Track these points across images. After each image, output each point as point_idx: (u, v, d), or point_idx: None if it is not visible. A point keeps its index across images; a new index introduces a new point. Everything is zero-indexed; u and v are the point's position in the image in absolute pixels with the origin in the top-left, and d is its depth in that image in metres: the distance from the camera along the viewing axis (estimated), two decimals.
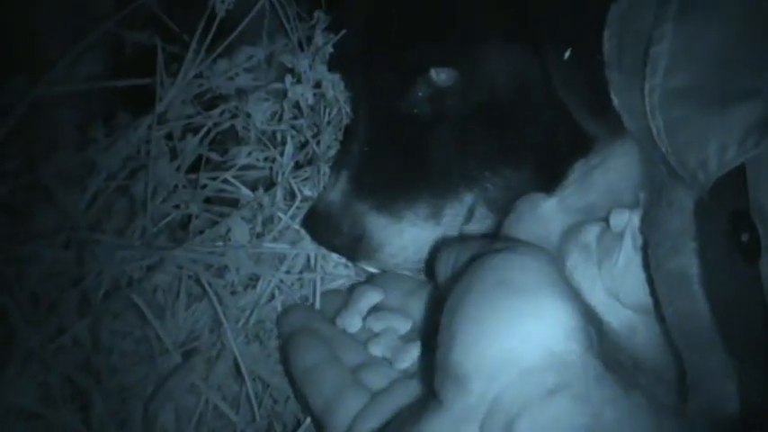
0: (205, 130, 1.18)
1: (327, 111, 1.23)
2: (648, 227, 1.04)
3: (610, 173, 1.14)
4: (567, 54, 1.06)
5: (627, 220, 1.10)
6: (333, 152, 1.24)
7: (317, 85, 1.21)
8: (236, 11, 1.18)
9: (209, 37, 1.16)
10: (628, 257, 1.09)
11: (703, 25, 0.93)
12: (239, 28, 1.17)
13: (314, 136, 1.22)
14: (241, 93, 1.20)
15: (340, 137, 1.24)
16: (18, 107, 1.08)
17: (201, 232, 1.17)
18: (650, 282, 1.03)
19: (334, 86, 1.20)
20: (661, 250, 1.00)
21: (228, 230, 1.15)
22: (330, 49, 1.21)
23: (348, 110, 1.23)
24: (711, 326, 0.95)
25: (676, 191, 0.98)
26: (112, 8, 1.20)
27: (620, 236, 1.10)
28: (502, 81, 1.14)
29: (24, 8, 1.22)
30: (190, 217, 1.17)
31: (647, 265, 1.04)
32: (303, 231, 1.20)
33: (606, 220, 1.12)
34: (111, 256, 1.09)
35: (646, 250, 1.05)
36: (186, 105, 1.16)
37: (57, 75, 1.12)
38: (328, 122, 1.23)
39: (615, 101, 1.03)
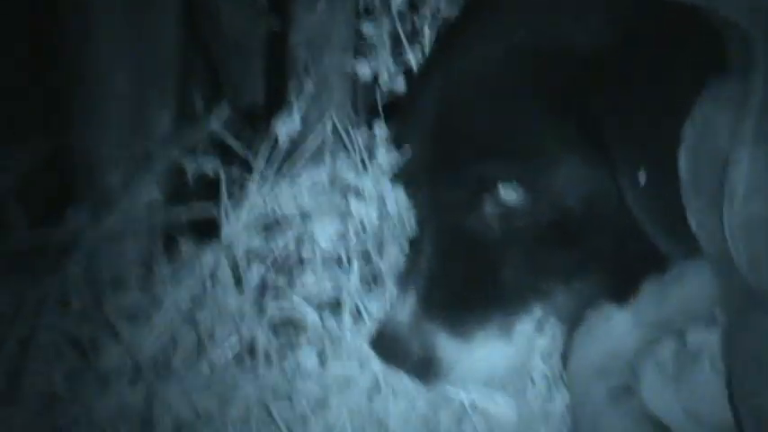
0: (270, 257, 1.17)
1: (392, 227, 1.21)
2: (729, 353, 1.02)
3: (686, 289, 1.13)
4: (642, 179, 1.03)
5: (703, 339, 1.08)
6: (399, 269, 1.23)
7: (381, 200, 1.19)
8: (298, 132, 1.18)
9: (272, 162, 1.16)
10: (707, 377, 1.08)
11: None
12: (303, 154, 1.17)
13: (379, 253, 1.20)
14: (305, 215, 1.19)
15: (406, 252, 1.23)
16: (81, 245, 1.07)
17: (270, 358, 1.16)
18: (734, 411, 1.01)
19: (398, 203, 1.19)
20: (747, 384, 0.99)
21: (296, 358, 1.13)
22: (393, 166, 1.19)
23: (413, 224, 1.21)
24: None
25: (759, 316, 0.97)
26: (170, 128, 1.19)
27: (698, 355, 1.08)
28: (569, 196, 1.12)
29: (84, 132, 1.23)
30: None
31: (727, 392, 1.02)
32: (371, 351, 1.18)
33: (681, 336, 1.10)
34: (180, 394, 1.08)
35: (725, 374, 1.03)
36: (250, 232, 1.15)
37: (118, 207, 1.11)
38: (394, 238, 1.21)
39: (692, 223, 1.02)
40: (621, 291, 1.16)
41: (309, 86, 1.22)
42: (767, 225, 0.92)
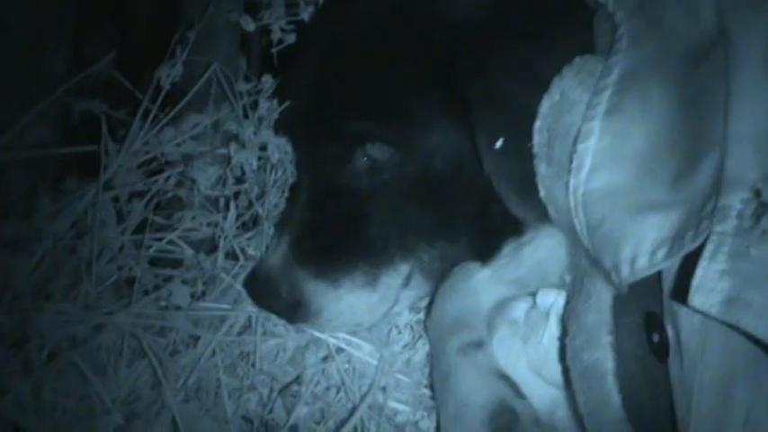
0: (150, 194, 1.21)
1: (273, 172, 1.25)
2: (568, 316, 1.06)
3: (539, 251, 1.18)
4: (498, 143, 1.07)
5: (553, 301, 1.12)
6: (279, 211, 1.27)
7: (263, 148, 1.23)
8: (183, 79, 1.21)
9: (156, 106, 1.18)
10: (552, 337, 1.12)
11: (630, 127, 0.95)
12: (185, 100, 1.19)
13: (258, 198, 1.25)
14: (187, 158, 1.22)
15: (286, 196, 1.26)
16: None
17: (146, 292, 1.20)
18: (566, 370, 1.06)
19: (280, 149, 1.22)
20: (577, 342, 1.03)
21: (170, 293, 1.17)
22: (276, 115, 1.22)
23: (294, 170, 1.24)
24: (621, 418, 0.99)
25: (596, 283, 1.01)
26: (65, 73, 1.22)
27: (546, 315, 1.13)
28: (437, 158, 1.16)
29: None
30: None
31: (563, 354, 1.07)
32: (245, 292, 1.22)
33: (535, 296, 1.15)
34: (55, 321, 1.11)
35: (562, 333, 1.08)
36: (132, 172, 1.18)
37: (6, 141, 1.14)
38: (274, 183, 1.25)
39: (542, 192, 1.06)
40: (484, 251, 1.21)
41: (193, 37, 1.24)
42: (606, 197, 0.95)
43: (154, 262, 1.25)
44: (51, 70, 1.25)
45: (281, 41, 1.34)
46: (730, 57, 0.90)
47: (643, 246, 0.90)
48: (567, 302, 1.09)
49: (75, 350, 1.14)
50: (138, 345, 1.19)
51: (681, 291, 0.85)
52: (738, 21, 0.94)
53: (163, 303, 1.20)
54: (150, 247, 1.22)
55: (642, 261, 0.89)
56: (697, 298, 0.81)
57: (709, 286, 0.81)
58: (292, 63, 1.28)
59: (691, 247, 0.84)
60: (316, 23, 1.35)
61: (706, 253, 0.82)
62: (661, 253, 0.88)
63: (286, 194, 1.28)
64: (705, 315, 0.83)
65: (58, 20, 1.27)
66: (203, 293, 1.24)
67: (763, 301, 0.79)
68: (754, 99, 0.88)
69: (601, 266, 0.95)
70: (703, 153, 0.89)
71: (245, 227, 1.28)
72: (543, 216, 1.09)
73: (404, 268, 1.23)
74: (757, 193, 0.83)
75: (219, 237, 1.25)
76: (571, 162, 0.98)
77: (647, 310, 0.97)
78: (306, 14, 1.36)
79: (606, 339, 1.00)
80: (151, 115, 1.21)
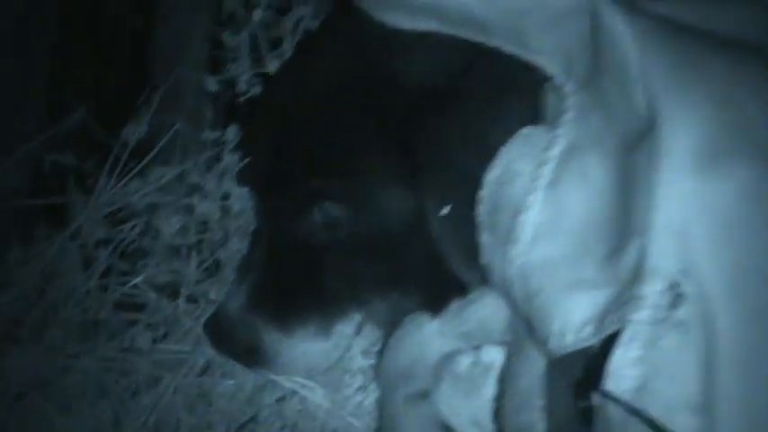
0: (115, 243, 1.25)
1: (235, 220, 1.29)
2: (505, 377, 1.12)
3: (484, 310, 1.21)
4: (444, 210, 1.11)
5: (495, 358, 1.17)
6: (240, 257, 1.31)
7: (225, 197, 1.27)
8: (149, 131, 1.25)
9: (122, 161, 1.23)
10: (492, 392, 1.17)
11: (569, 201, 0.99)
12: (149, 156, 1.23)
13: (220, 244, 1.29)
14: (152, 208, 1.26)
15: (248, 242, 1.30)
16: None
17: (112, 334, 1.24)
18: (501, 430, 1.10)
19: (242, 199, 1.26)
20: (512, 403, 1.08)
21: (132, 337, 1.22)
22: (238, 167, 1.27)
23: (255, 219, 1.28)
24: None
25: (532, 348, 1.06)
26: (39, 122, 1.26)
27: (488, 371, 1.18)
28: (390, 218, 1.19)
29: None
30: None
31: (497, 415, 1.12)
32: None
33: (478, 352, 1.20)
34: (22, 363, 1.17)
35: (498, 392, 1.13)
36: (98, 223, 1.23)
37: None
38: (236, 230, 1.29)
39: (484, 259, 1.10)
40: (434, 305, 1.25)
41: (158, 98, 1.28)
42: (542, 269, 0.99)
43: (119, 306, 1.28)
44: (25, 120, 1.28)
45: (247, 96, 1.37)
46: (657, 146, 0.93)
47: (570, 323, 0.94)
48: (506, 362, 1.13)
49: (41, 391, 1.18)
50: (102, 385, 1.23)
51: (598, 371, 0.90)
52: (667, 108, 0.96)
53: (126, 345, 1.24)
54: (115, 291, 1.26)
55: (569, 337, 0.94)
56: (610, 382, 0.85)
57: (621, 372, 0.85)
58: (256, 115, 1.31)
59: (611, 330, 0.89)
60: (280, 78, 1.38)
61: (622, 339, 0.86)
62: (586, 332, 0.92)
63: (248, 241, 1.30)
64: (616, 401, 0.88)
65: (33, 69, 1.30)
66: (165, 335, 1.28)
67: (669, 392, 0.84)
68: (678, 192, 0.91)
69: (534, 334, 0.99)
70: (631, 236, 0.92)
71: (207, 272, 1.31)
72: (486, 280, 1.12)
73: (357, 318, 1.26)
74: (674, 286, 0.87)
75: (180, 282, 1.28)
76: (512, 233, 1.01)
77: (577, 377, 1.00)
78: (272, 67, 1.39)
79: (538, 403, 1.05)
80: (118, 169, 1.24)
